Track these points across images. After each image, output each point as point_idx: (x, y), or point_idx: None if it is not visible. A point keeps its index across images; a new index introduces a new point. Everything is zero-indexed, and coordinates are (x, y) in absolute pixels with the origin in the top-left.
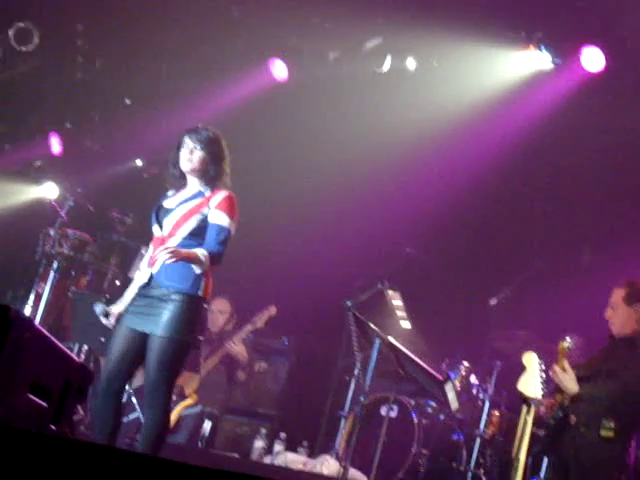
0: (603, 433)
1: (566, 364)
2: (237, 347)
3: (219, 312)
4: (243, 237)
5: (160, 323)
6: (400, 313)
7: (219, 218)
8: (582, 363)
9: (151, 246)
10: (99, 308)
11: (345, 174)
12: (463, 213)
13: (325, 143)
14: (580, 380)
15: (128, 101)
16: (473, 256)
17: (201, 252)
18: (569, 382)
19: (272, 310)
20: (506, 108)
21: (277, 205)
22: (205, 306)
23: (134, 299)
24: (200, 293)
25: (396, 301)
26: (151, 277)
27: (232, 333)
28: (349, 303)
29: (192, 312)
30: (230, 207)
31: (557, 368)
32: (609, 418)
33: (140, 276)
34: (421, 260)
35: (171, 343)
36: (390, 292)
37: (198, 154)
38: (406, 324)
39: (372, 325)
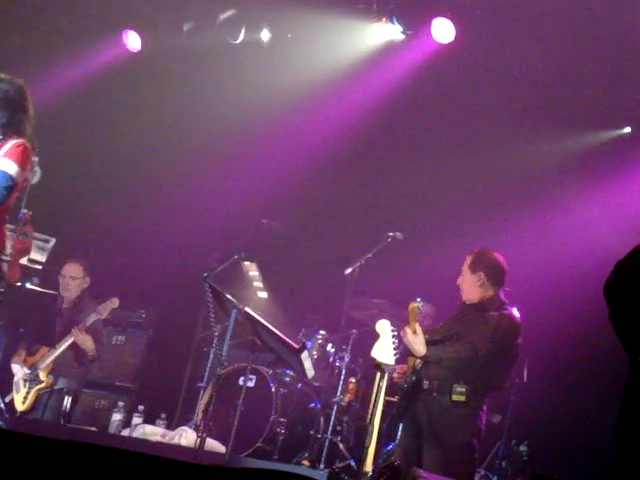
0: (455, 397)
1: (417, 327)
2: (81, 337)
3: (70, 278)
4: (99, 209)
5: None
6: (257, 283)
7: (6, 165)
8: (435, 328)
9: None
10: None
11: (200, 146)
12: (318, 184)
13: (179, 115)
14: (431, 344)
15: None
16: (328, 226)
17: None
18: (417, 344)
19: (115, 302)
20: (359, 79)
21: (134, 177)
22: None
23: None
24: None
25: (253, 272)
26: None
27: (80, 316)
28: (206, 275)
29: None
30: (20, 156)
31: (408, 330)
32: (460, 382)
33: None
34: (277, 231)
35: None
36: (247, 263)
37: None
38: (263, 294)
39: (229, 296)
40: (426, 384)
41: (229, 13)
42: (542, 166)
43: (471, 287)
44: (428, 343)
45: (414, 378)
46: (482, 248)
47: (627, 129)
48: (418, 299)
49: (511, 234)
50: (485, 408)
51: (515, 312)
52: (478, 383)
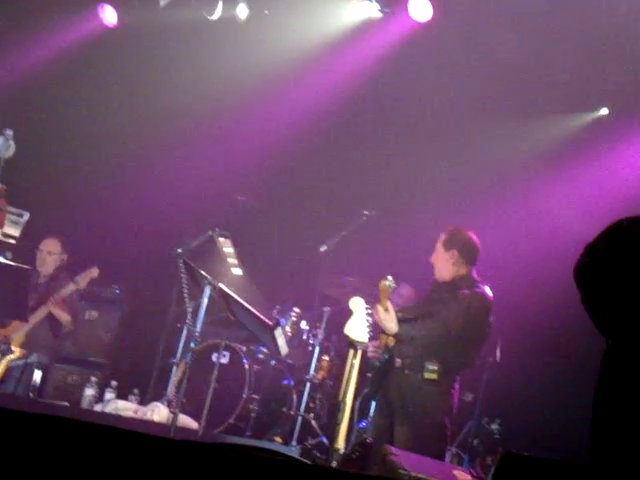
0: (427, 375)
1: (389, 305)
2: (57, 308)
3: (48, 253)
4: (72, 185)
5: None
6: (231, 260)
7: None
8: (407, 306)
9: None
10: None
11: (175, 122)
12: (293, 162)
13: (154, 90)
14: (404, 321)
15: None
16: (303, 204)
17: None
18: (389, 322)
19: (94, 272)
20: (335, 57)
21: (109, 152)
22: None
23: None
24: None
25: (227, 248)
26: None
27: (57, 288)
28: (179, 250)
29: None
30: None
31: (379, 307)
32: (432, 360)
33: None
34: (252, 208)
35: None
36: (221, 239)
37: None
38: (237, 271)
39: (202, 272)
40: (398, 362)
41: None
42: (517, 148)
43: (444, 265)
44: (400, 321)
45: (386, 356)
46: (456, 226)
47: (604, 110)
48: (389, 277)
49: (486, 215)
50: (457, 386)
51: (487, 290)
52: (450, 361)
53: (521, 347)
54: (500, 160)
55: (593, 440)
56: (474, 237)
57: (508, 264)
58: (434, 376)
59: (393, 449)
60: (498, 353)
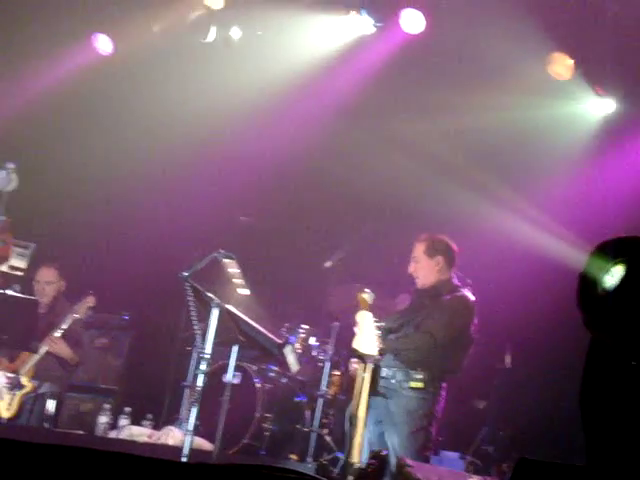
0: (412, 384)
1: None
2: (56, 346)
3: (45, 283)
4: (78, 213)
5: None
6: (237, 280)
7: None
8: (391, 315)
9: None
10: None
11: (175, 146)
12: (293, 179)
13: (152, 116)
14: (388, 331)
15: None
16: (306, 221)
17: None
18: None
19: (90, 300)
20: (331, 75)
21: (110, 179)
22: None
23: None
24: None
25: (232, 269)
26: None
27: (56, 321)
28: (185, 274)
29: None
30: None
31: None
32: (418, 369)
33: None
34: (255, 227)
35: None
36: (226, 260)
37: None
38: (244, 291)
39: (209, 294)
40: (384, 371)
41: (199, 12)
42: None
43: (428, 272)
44: (385, 330)
45: (372, 366)
46: (431, 234)
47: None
48: (367, 290)
49: (493, 218)
50: (444, 393)
51: (468, 294)
52: (435, 369)
53: (533, 352)
54: (492, 170)
55: (587, 440)
56: (451, 242)
57: (521, 267)
58: (420, 385)
59: (408, 460)
60: (508, 359)
